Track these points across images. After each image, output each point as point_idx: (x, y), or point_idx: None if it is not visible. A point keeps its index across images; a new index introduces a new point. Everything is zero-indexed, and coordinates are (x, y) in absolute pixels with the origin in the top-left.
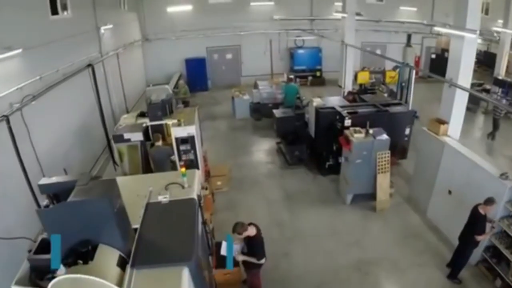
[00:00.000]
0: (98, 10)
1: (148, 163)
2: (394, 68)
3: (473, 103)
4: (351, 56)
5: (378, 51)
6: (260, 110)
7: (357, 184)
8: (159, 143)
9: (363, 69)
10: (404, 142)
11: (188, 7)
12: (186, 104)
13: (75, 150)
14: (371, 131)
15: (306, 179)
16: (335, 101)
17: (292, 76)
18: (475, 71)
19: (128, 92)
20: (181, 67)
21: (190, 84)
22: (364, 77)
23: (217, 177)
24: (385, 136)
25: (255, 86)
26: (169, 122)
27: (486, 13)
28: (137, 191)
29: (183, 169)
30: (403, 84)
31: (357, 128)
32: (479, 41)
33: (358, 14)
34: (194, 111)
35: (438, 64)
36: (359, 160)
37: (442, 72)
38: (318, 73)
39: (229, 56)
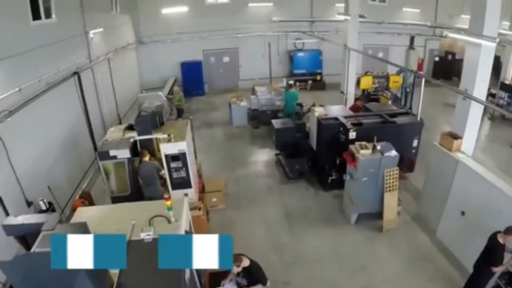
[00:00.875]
0: (87, 13)
1: (137, 180)
2: (398, 73)
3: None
4: (354, 61)
5: (380, 54)
6: (258, 117)
7: (362, 203)
8: (146, 158)
9: (366, 74)
10: (412, 154)
11: (183, 9)
12: (180, 112)
13: (61, 165)
14: (378, 146)
15: (307, 195)
16: (338, 110)
17: (292, 82)
18: None
19: (120, 99)
20: (177, 71)
21: (186, 88)
22: (367, 82)
23: (212, 193)
24: (393, 152)
25: (253, 92)
26: (159, 136)
27: None
28: (118, 224)
29: (169, 202)
30: (408, 89)
31: (363, 143)
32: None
33: (361, 16)
34: (186, 123)
35: (442, 67)
36: (365, 178)
37: (446, 76)
38: (318, 77)
39: (226, 59)
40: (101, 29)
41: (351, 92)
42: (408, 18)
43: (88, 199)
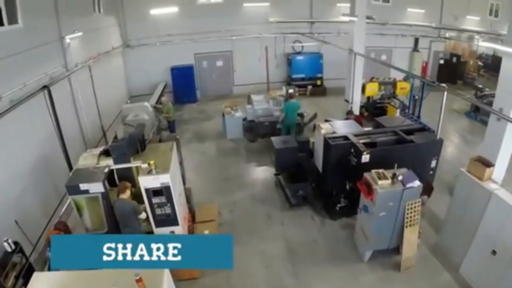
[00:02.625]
0: (63, 16)
1: (115, 215)
2: (405, 78)
3: (488, 115)
4: (360, 67)
5: (383, 57)
6: (254, 130)
7: (378, 239)
8: (125, 195)
9: (371, 80)
10: (429, 176)
11: (173, 9)
12: (171, 125)
13: (32, 192)
14: (399, 176)
15: (312, 226)
16: (347, 126)
17: (292, 90)
18: (481, 76)
19: (104, 108)
20: (167, 76)
21: (177, 95)
22: (373, 89)
23: (204, 224)
24: (417, 182)
25: (249, 101)
26: (139, 165)
27: (496, 15)
28: None
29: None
30: (416, 96)
31: (381, 171)
32: (485, 44)
33: (369, 18)
34: (171, 147)
35: (447, 70)
36: (383, 213)
37: (451, 79)
38: (318, 82)
39: (219, 63)
40: (80, 33)
41: (356, 101)
42: (413, 19)
43: (64, 230)
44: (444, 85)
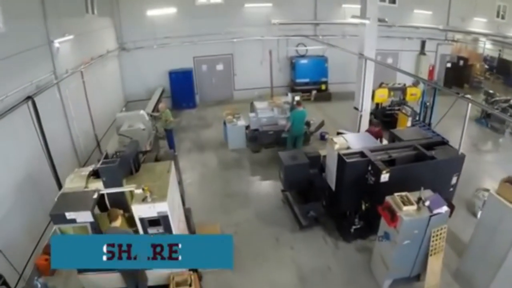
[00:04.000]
0: (51, 18)
1: None
2: (415, 84)
3: (500, 122)
4: (371, 72)
5: (390, 60)
6: (258, 139)
7: (400, 268)
8: (117, 223)
9: (380, 85)
10: (449, 193)
11: (171, 10)
12: (169, 135)
13: (17, 214)
14: (426, 201)
15: (325, 249)
16: (361, 140)
17: (298, 98)
18: (487, 79)
19: (98, 116)
20: (165, 80)
21: (175, 100)
22: (383, 95)
23: None
24: (444, 208)
25: (252, 108)
26: (132, 190)
27: (503, 17)
28: None
29: None
30: (427, 103)
31: (405, 195)
32: (490, 46)
33: (381, 20)
34: (168, 168)
35: (454, 74)
36: (407, 241)
37: (458, 83)
38: (323, 86)
39: (220, 67)
40: (70, 37)
41: (366, 109)
42: (420, 21)
43: None
44: (469, 96)
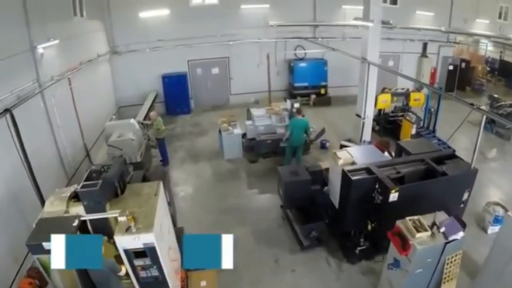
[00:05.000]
0: (35, 23)
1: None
2: (418, 89)
3: (505, 127)
4: (375, 78)
5: (391, 63)
6: (255, 149)
7: None
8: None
9: (383, 91)
10: (459, 210)
11: (164, 12)
12: (162, 144)
13: None
14: (442, 227)
15: (328, 272)
16: (366, 154)
17: (298, 104)
18: (488, 81)
19: (88, 124)
20: (158, 84)
21: (169, 106)
22: (385, 101)
23: (200, 272)
24: (460, 234)
25: (249, 116)
26: (116, 215)
27: (505, 18)
28: None
29: None
30: (432, 109)
31: (417, 220)
32: (492, 48)
33: (385, 23)
34: (156, 191)
35: (456, 77)
36: (419, 270)
37: (460, 85)
38: (322, 91)
39: (215, 70)
40: (56, 41)
41: (369, 116)
42: (421, 23)
43: (39, 277)
44: (483, 107)
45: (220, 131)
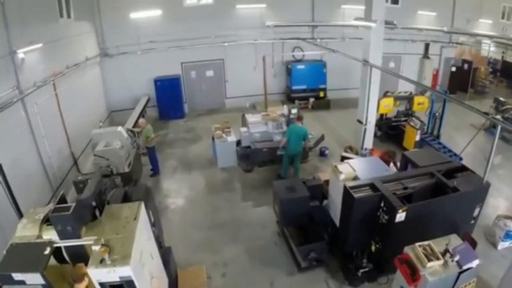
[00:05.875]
0: (14, 26)
1: None
2: (422, 92)
3: (509, 131)
4: (377, 81)
5: (392, 64)
6: (251, 157)
7: None
8: (82, 285)
9: (385, 95)
10: (470, 226)
11: (156, 12)
12: (152, 152)
13: None
14: (456, 256)
15: None
16: (370, 167)
17: (295, 110)
18: (490, 82)
19: (76, 130)
20: (150, 88)
21: (162, 110)
22: (388, 105)
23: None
24: (475, 262)
25: (244, 122)
26: (90, 243)
27: (508, 18)
28: None
29: None
30: (437, 113)
31: (428, 246)
32: (493, 49)
33: (389, 23)
34: (136, 213)
35: (459, 79)
36: None
37: (462, 87)
38: (321, 94)
39: (210, 73)
40: (39, 45)
41: (371, 122)
42: (423, 23)
43: None
44: (499, 117)
45: (213, 139)
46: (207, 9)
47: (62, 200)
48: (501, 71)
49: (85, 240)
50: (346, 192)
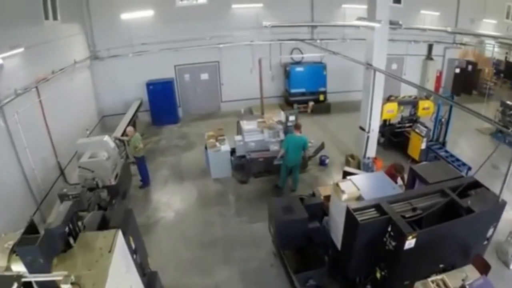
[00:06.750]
0: None
1: None
2: (427, 96)
3: None
4: (381, 86)
5: (394, 66)
6: (246, 167)
7: None
8: None
9: (389, 99)
10: (483, 247)
11: (148, 13)
12: (141, 163)
13: None
14: None
15: None
16: (375, 185)
17: (293, 117)
18: (494, 83)
19: (63, 138)
20: (143, 92)
21: (154, 115)
22: (392, 111)
23: None
24: None
25: (239, 129)
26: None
27: None
28: None
29: None
30: (443, 119)
31: (441, 280)
32: (497, 49)
33: (393, 23)
34: (111, 244)
35: (463, 80)
36: None
37: (467, 89)
38: (321, 97)
39: (204, 76)
40: (20, 50)
41: (375, 129)
42: (426, 23)
43: None
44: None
45: (206, 148)
46: (201, 9)
47: (32, 226)
48: (505, 72)
49: (54, 276)
50: (349, 215)
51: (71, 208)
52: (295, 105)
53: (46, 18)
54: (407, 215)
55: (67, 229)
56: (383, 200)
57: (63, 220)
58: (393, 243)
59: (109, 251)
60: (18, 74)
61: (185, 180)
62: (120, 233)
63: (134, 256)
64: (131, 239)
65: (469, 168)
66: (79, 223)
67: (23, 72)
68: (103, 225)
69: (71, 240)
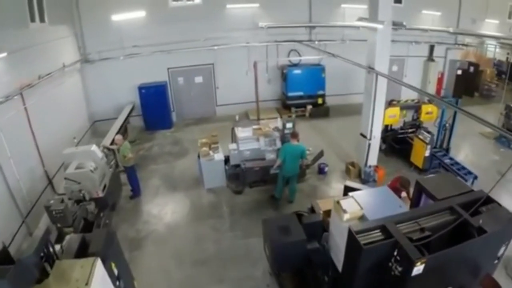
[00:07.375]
0: None
1: None
2: (430, 100)
3: None
4: (383, 91)
5: (395, 67)
6: (240, 177)
7: None
8: None
9: (391, 103)
10: (493, 266)
11: (140, 14)
12: (131, 173)
13: None
14: None
15: None
16: (379, 202)
17: (290, 125)
18: (495, 85)
19: (51, 146)
20: (135, 96)
21: (147, 120)
22: (394, 116)
23: None
24: None
25: (233, 137)
26: None
27: None
28: None
29: None
30: (447, 124)
31: None
32: (498, 50)
33: (397, 24)
34: (89, 276)
35: (464, 82)
36: None
37: (468, 91)
38: (320, 100)
39: (199, 79)
40: (3, 54)
41: (376, 136)
42: (428, 23)
43: None
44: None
45: (199, 156)
46: (194, 9)
47: (3, 253)
48: (508, 73)
49: None
50: (352, 238)
51: (45, 235)
52: (293, 109)
53: (32, 20)
54: (414, 237)
55: (42, 254)
56: (388, 221)
57: (35, 248)
58: (400, 269)
59: (86, 284)
60: (1, 81)
61: (177, 190)
62: (99, 261)
63: (117, 283)
64: (112, 265)
65: (475, 177)
66: (59, 246)
67: (6, 78)
68: (83, 249)
69: (48, 267)
